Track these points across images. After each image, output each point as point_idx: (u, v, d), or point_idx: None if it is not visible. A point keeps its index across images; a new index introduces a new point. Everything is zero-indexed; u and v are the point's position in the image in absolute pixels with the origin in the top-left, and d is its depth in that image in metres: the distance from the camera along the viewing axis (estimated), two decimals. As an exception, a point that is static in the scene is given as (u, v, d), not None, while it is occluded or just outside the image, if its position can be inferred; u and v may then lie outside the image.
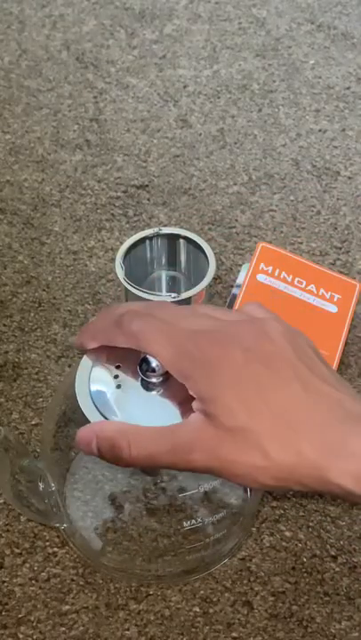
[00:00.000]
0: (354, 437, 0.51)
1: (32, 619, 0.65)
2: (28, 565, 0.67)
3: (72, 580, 0.66)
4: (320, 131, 0.98)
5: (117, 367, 0.61)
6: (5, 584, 0.66)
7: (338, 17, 1.11)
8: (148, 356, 0.58)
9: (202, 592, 0.66)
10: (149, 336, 0.56)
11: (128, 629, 0.64)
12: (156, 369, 0.58)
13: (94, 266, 0.85)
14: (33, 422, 0.74)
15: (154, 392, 0.59)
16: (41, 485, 0.63)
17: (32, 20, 1.10)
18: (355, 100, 1.02)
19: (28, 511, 0.65)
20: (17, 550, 0.67)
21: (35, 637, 0.64)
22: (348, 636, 0.64)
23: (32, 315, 0.82)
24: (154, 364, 0.58)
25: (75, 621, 0.64)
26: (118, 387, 0.60)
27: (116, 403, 0.59)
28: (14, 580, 0.66)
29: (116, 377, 0.60)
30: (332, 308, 0.78)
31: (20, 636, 0.64)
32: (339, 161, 0.95)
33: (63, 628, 0.64)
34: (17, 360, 0.78)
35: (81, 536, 0.67)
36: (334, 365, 0.76)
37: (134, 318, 0.57)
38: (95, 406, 0.59)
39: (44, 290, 0.84)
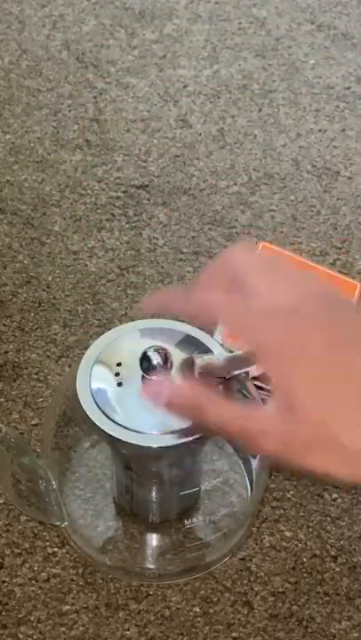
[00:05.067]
0: None
1: (32, 619, 0.64)
2: (27, 565, 0.67)
3: (72, 579, 0.66)
4: (320, 131, 0.98)
5: (118, 365, 0.61)
6: (5, 584, 0.66)
7: (338, 17, 1.11)
8: (148, 354, 0.58)
9: (202, 592, 0.66)
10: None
11: (128, 629, 0.64)
12: (157, 366, 0.58)
13: (94, 266, 0.85)
14: (33, 422, 0.74)
15: None
16: (42, 483, 0.63)
17: (32, 19, 1.10)
18: (355, 100, 1.02)
19: (28, 509, 0.65)
20: (17, 550, 0.67)
21: (35, 637, 0.64)
22: (348, 636, 0.64)
23: (32, 315, 0.82)
24: (155, 361, 0.58)
25: (75, 621, 0.64)
26: (119, 384, 0.60)
27: (116, 400, 0.59)
28: (14, 580, 0.66)
29: (117, 375, 0.60)
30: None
31: (20, 636, 0.64)
32: (339, 161, 0.95)
33: (63, 628, 0.64)
34: (17, 360, 0.78)
35: (81, 534, 0.67)
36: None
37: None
38: (96, 404, 0.59)
39: (44, 290, 0.83)
